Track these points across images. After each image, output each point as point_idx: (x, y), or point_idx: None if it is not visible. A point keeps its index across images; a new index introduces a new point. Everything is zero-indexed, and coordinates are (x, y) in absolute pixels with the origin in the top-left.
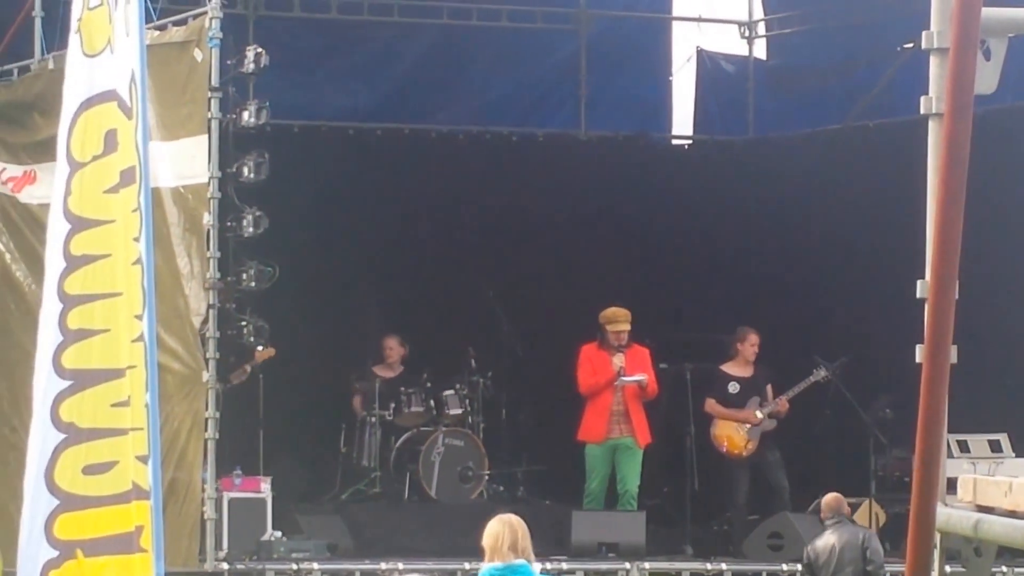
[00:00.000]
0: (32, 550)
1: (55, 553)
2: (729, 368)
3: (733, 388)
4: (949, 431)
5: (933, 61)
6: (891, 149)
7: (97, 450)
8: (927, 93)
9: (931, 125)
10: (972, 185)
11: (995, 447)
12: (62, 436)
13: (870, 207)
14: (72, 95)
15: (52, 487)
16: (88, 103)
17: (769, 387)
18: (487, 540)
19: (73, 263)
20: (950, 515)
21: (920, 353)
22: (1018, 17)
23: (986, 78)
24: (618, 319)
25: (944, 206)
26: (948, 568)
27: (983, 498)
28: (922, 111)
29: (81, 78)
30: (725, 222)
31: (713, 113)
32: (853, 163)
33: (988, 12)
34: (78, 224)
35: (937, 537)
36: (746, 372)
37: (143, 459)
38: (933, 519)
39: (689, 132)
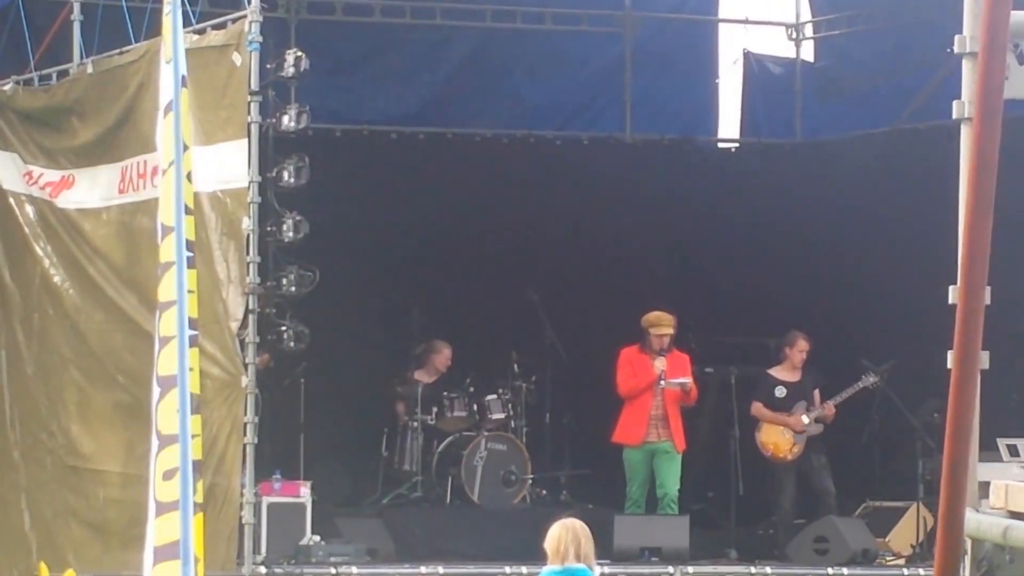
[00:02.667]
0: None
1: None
2: (776, 372)
3: (780, 392)
4: (998, 435)
5: (965, 65)
6: (941, 152)
7: (170, 455)
8: None
9: (963, 130)
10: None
11: None
12: (156, 442)
13: (918, 210)
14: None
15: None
16: (166, 110)
17: (816, 392)
18: (549, 543)
19: (161, 269)
20: (980, 521)
21: (950, 359)
22: None
23: (1019, 82)
24: (662, 323)
25: (973, 212)
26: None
27: (1015, 504)
28: (954, 116)
29: (165, 84)
30: (772, 225)
31: (760, 116)
32: (903, 166)
33: (1021, 15)
34: (163, 231)
35: (968, 543)
36: (793, 377)
37: (196, 466)
38: (961, 525)
39: (736, 135)
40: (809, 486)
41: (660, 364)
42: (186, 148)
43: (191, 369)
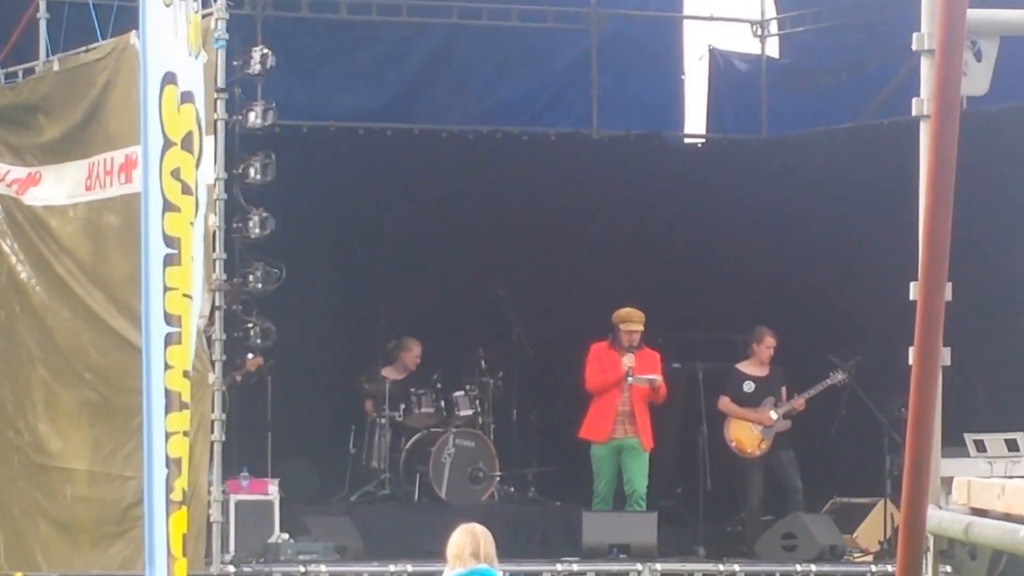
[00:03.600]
0: None
1: None
2: (744, 367)
3: (748, 387)
4: (966, 431)
5: (923, 63)
6: (905, 147)
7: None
8: None
9: (922, 127)
10: (990, 186)
11: (1012, 446)
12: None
13: (884, 205)
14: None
15: None
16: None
17: (784, 388)
18: (450, 549)
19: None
20: (942, 517)
21: (912, 355)
22: (1008, 18)
23: (977, 79)
24: (632, 319)
25: (932, 208)
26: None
27: (977, 500)
28: (913, 113)
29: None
30: (739, 221)
31: (726, 112)
32: (868, 161)
33: (977, 13)
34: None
35: (930, 540)
36: (761, 372)
37: (179, 463)
38: (923, 521)
39: (702, 131)
40: (777, 482)
41: (628, 360)
42: (173, 145)
43: (172, 367)
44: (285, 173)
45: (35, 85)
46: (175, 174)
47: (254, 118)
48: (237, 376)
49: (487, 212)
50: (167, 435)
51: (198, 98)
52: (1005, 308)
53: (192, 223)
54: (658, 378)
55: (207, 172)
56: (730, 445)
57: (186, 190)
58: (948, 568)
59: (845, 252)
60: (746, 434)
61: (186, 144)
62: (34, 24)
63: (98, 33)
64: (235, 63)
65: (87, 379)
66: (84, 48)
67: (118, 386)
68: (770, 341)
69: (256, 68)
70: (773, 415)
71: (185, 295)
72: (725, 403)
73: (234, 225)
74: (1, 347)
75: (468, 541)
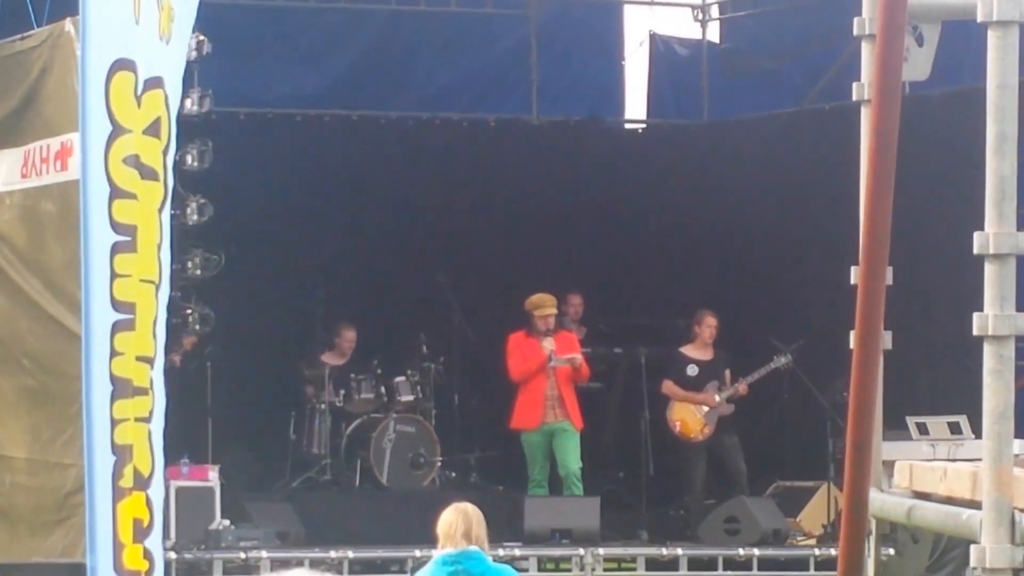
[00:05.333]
0: None
1: None
2: (688, 351)
3: (692, 371)
4: (909, 414)
5: (864, 48)
6: (847, 131)
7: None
8: None
9: (863, 111)
10: (932, 171)
11: (955, 429)
12: None
13: (826, 190)
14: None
15: None
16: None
17: (728, 371)
18: (441, 527)
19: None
20: (884, 501)
21: (853, 339)
22: (950, 3)
23: (918, 64)
24: (545, 304)
25: (873, 192)
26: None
27: (920, 484)
28: (854, 97)
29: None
30: (680, 206)
31: (667, 97)
32: (809, 146)
33: None
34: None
35: (873, 523)
36: (705, 355)
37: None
38: (866, 505)
39: (643, 116)
40: (720, 467)
41: (548, 344)
42: (127, 132)
43: (122, 353)
44: (222, 160)
45: None
46: (129, 161)
47: (190, 105)
48: (177, 358)
49: (427, 198)
50: (115, 422)
51: (169, 83)
52: (947, 291)
53: (159, 209)
54: (578, 356)
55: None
56: (673, 429)
57: (149, 175)
58: (891, 551)
59: (787, 236)
60: (690, 418)
61: (151, 130)
62: None
63: (33, 20)
64: None
65: (25, 366)
66: (19, 36)
67: (57, 373)
68: (711, 322)
69: (192, 55)
70: (717, 398)
71: (144, 281)
72: (668, 386)
73: (172, 212)
74: None
75: (460, 521)
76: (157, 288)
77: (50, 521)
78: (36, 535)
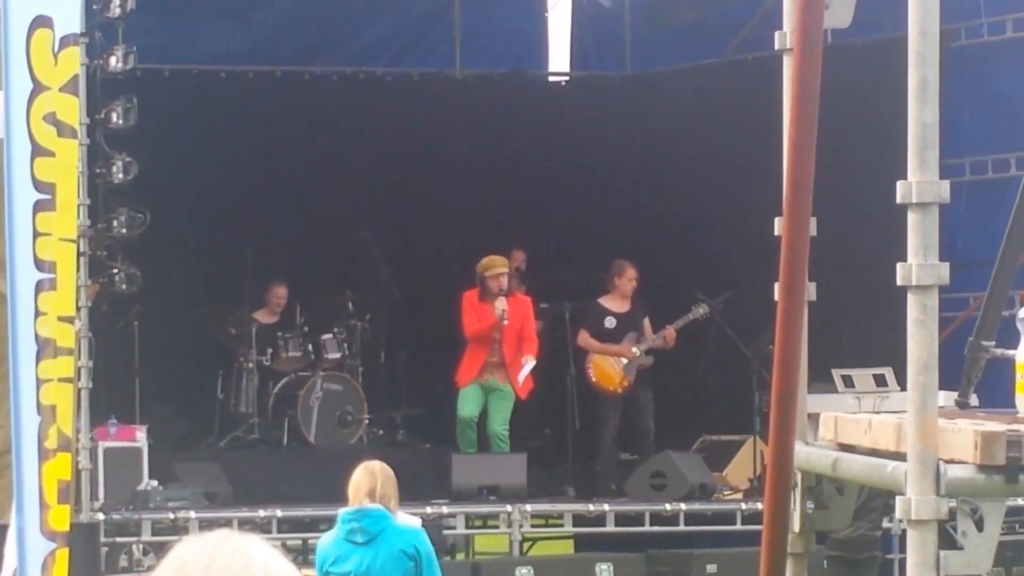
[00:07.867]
0: None
1: None
2: (606, 302)
3: (610, 323)
4: (834, 366)
5: None
6: (770, 82)
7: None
8: None
9: (785, 60)
10: (856, 120)
11: (880, 381)
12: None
13: (750, 141)
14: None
15: None
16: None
17: (646, 322)
18: (350, 487)
19: None
20: (810, 453)
21: (777, 290)
22: None
23: (840, 12)
24: (495, 265)
25: (796, 142)
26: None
27: (844, 436)
28: (776, 47)
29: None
30: (604, 159)
31: (590, 49)
32: (732, 97)
33: None
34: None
35: (798, 476)
36: (623, 307)
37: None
38: (791, 458)
39: (566, 69)
40: (631, 423)
41: (500, 304)
42: (46, 89)
43: (45, 313)
44: (147, 117)
45: None
46: (48, 119)
47: (115, 62)
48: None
49: (351, 154)
50: (39, 382)
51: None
52: (872, 242)
53: (78, 166)
54: (533, 360)
55: None
56: (591, 380)
57: (66, 133)
58: (811, 506)
59: (712, 188)
60: (608, 369)
61: (70, 87)
62: None
63: None
64: (95, 7)
65: None
66: None
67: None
68: (632, 273)
69: (116, 11)
70: (635, 351)
71: (64, 239)
72: (584, 338)
73: (97, 170)
74: None
75: (366, 480)
76: (75, 246)
77: None
78: None
